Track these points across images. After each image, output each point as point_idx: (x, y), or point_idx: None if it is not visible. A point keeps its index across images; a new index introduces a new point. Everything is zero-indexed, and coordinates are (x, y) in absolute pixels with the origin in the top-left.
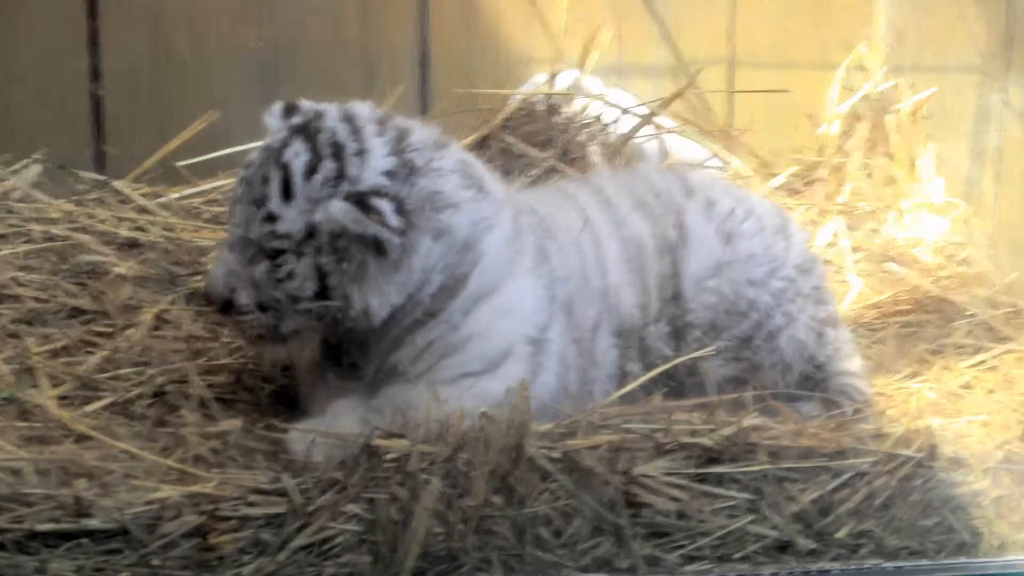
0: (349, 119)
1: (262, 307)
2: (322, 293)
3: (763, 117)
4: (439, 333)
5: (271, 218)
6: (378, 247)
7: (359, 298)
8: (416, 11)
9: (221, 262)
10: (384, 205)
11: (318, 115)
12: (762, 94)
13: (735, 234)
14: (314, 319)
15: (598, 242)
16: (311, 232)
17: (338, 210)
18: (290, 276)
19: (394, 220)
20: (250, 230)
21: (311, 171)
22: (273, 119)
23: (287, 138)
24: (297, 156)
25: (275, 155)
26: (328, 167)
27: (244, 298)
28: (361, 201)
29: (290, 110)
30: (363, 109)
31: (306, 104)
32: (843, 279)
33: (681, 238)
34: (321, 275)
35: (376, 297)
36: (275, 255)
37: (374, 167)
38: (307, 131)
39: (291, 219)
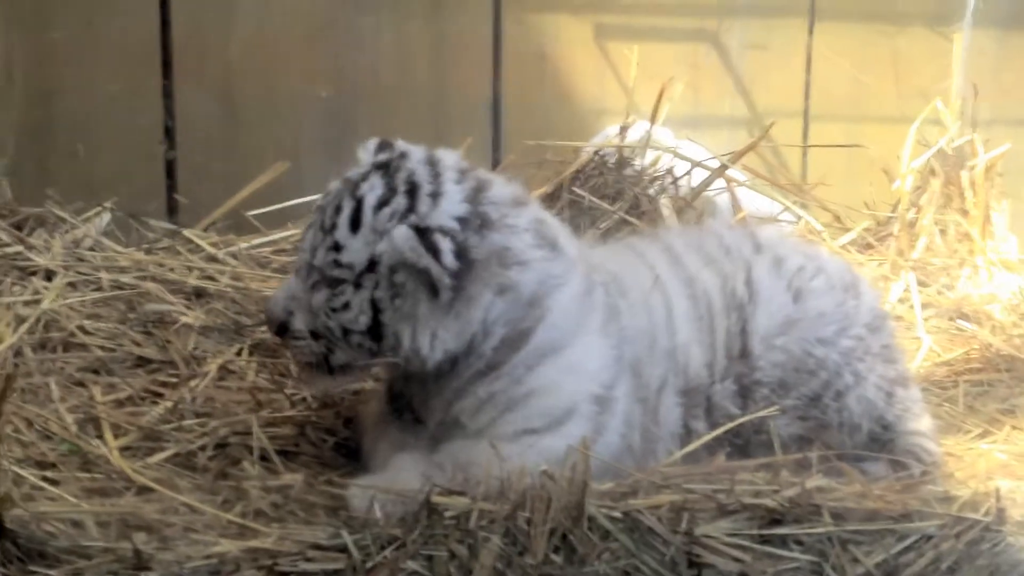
0: (432, 163)
1: (315, 335)
2: (374, 328)
3: (836, 171)
4: (502, 386)
5: (336, 247)
6: (431, 286)
7: (408, 337)
8: (489, 61)
9: (284, 286)
10: (444, 243)
11: (403, 155)
12: (836, 148)
13: (804, 291)
14: (365, 354)
15: (668, 301)
16: (372, 264)
17: (400, 235)
18: (346, 307)
19: (450, 261)
20: (315, 256)
21: (382, 204)
22: (365, 153)
23: (367, 172)
24: (372, 190)
25: (352, 187)
26: (399, 202)
27: (299, 323)
28: (424, 233)
29: (383, 147)
30: (449, 157)
31: (399, 143)
32: (914, 336)
33: (750, 295)
34: (375, 310)
35: (427, 339)
36: (335, 284)
37: (446, 210)
38: (387, 168)
39: (355, 249)
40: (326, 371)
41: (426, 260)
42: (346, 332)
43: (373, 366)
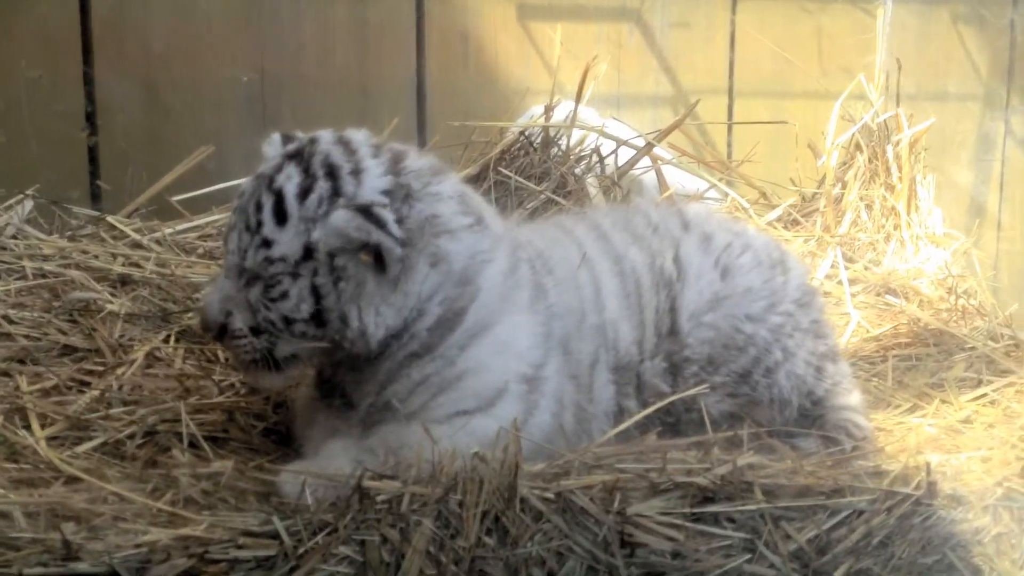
0: (344, 143)
1: (256, 331)
2: (317, 315)
3: (762, 148)
4: (435, 368)
5: (266, 243)
6: (378, 261)
7: (356, 318)
8: (412, 43)
9: (217, 288)
10: (387, 214)
11: (312, 140)
12: (761, 125)
13: (732, 268)
14: (308, 343)
15: (596, 278)
16: (308, 252)
17: (341, 219)
18: (284, 296)
19: (397, 230)
20: (246, 258)
21: (305, 192)
22: (271, 148)
23: (280, 164)
24: (289, 179)
25: (267, 181)
26: (322, 187)
27: (239, 322)
28: (365, 210)
29: (287, 139)
30: (358, 135)
31: (299, 134)
32: (842, 311)
33: (678, 272)
34: (317, 296)
35: (372, 317)
36: (271, 278)
37: (371, 186)
38: (300, 155)
39: (286, 242)
40: (272, 366)
41: (376, 234)
42: (288, 322)
43: (316, 352)
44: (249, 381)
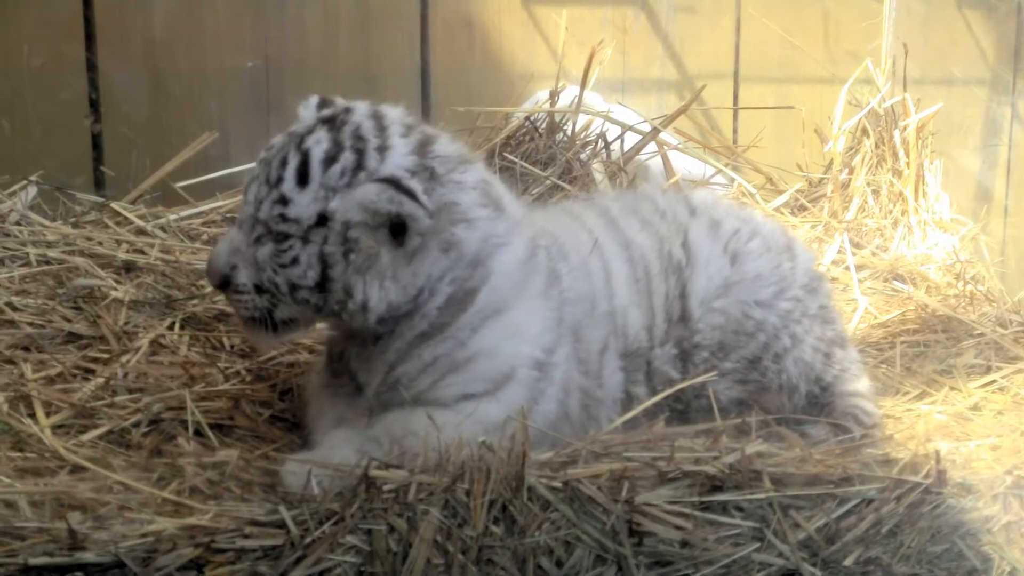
0: (377, 117)
1: (259, 289)
2: (322, 283)
3: (768, 133)
4: (445, 349)
5: (283, 200)
6: (396, 235)
7: (360, 291)
8: (417, 28)
9: (227, 239)
10: (415, 184)
11: (347, 110)
12: (767, 110)
13: (741, 254)
14: (310, 309)
15: (606, 264)
16: (322, 220)
17: (371, 192)
18: (294, 262)
19: (427, 200)
20: (260, 210)
21: (330, 160)
22: (306, 110)
23: (312, 126)
24: (319, 144)
25: (297, 140)
26: (347, 158)
27: (243, 277)
28: (393, 181)
29: (324, 103)
30: (393, 111)
31: (340, 100)
32: (850, 297)
33: (687, 258)
34: (324, 265)
35: (376, 291)
36: (281, 239)
37: (394, 162)
38: (333, 122)
39: (303, 204)
40: (269, 327)
41: (409, 205)
42: (293, 287)
43: (315, 322)
44: (245, 336)
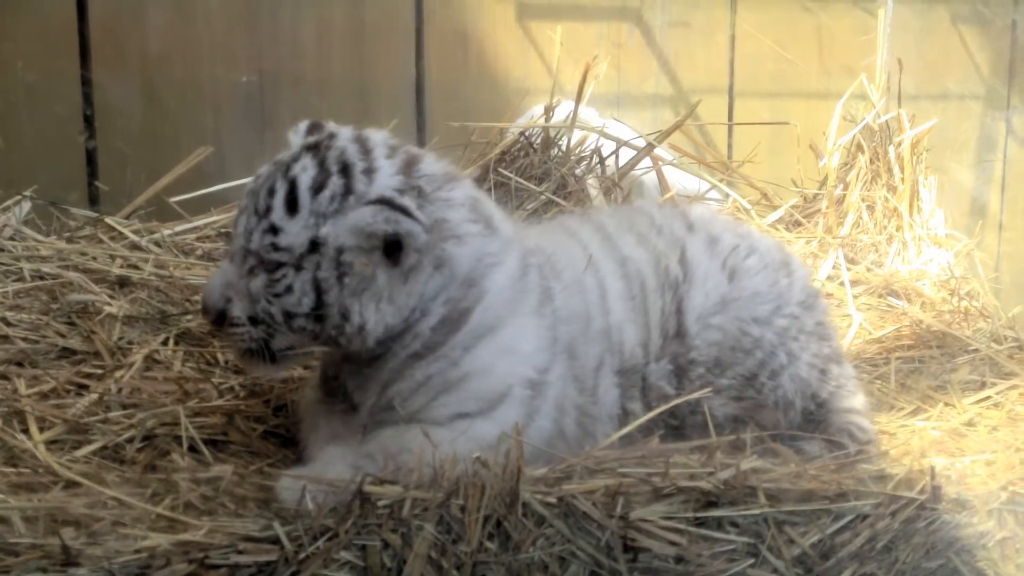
0: (361, 141)
1: (254, 320)
2: (318, 310)
3: (763, 149)
4: (438, 368)
5: (273, 230)
6: (391, 255)
7: (357, 313)
8: (411, 44)
9: (220, 272)
10: (408, 201)
11: (331, 135)
12: (762, 125)
13: (739, 270)
14: (306, 337)
15: (601, 281)
16: (314, 246)
17: (365, 215)
18: (288, 290)
19: (422, 215)
20: (251, 241)
21: (319, 186)
22: (295, 136)
23: (298, 154)
24: (305, 171)
25: (283, 169)
26: (336, 183)
27: (238, 310)
28: (387, 201)
29: (313, 128)
30: (377, 135)
31: (329, 124)
32: (844, 313)
33: (685, 274)
34: (319, 291)
35: (373, 313)
36: (274, 268)
37: (383, 183)
38: (317, 149)
39: (294, 232)
40: (267, 358)
41: (406, 223)
42: (288, 316)
43: (313, 351)
44: (243, 369)
